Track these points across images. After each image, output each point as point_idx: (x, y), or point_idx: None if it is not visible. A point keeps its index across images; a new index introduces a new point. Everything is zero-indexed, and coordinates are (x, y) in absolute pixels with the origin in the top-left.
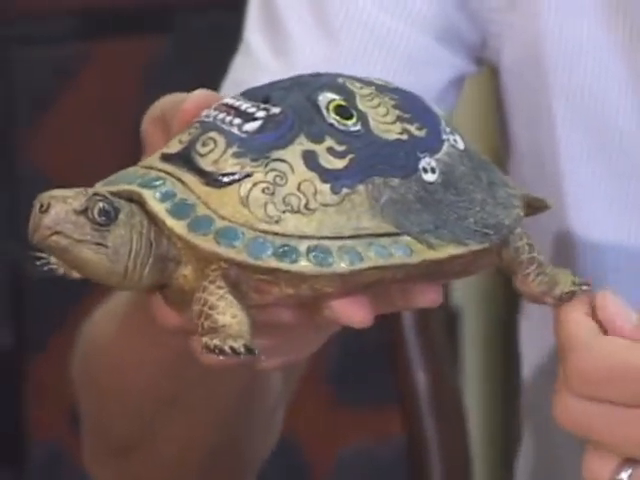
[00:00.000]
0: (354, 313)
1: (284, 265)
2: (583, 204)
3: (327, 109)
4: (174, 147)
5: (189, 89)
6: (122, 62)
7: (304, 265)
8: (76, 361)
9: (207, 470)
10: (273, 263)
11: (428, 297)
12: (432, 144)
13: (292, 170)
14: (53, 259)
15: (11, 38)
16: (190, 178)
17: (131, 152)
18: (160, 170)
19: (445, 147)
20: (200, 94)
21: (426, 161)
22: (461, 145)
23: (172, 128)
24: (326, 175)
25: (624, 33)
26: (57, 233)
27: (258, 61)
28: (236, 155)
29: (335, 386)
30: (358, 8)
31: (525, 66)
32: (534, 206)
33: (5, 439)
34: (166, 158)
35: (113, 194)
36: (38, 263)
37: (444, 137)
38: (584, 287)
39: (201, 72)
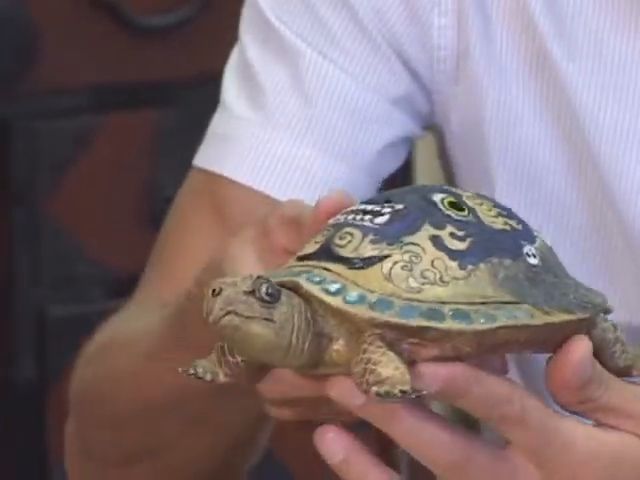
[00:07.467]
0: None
1: (434, 323)
2: None
3: (442, 204)
4: (311, 248)
5: (192, 154)
6: (132, 132)
7: (450, 323)
8: (83, 369)
9: None
10: (424, 322)
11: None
12: (529, 237)
13: (424, 251)
14: (200, 369)
15: (37, 112)
16: (334, 266)
17: (140, 212)
18: (303, 266)
19: (538, 241)
20: (335, 195)
21: (528, 248)
22: (548, 242)
23: (306, 226)
24: (453, 254)
25: (559, 107)
26: (230, 313)
27: (237, 115)
28: (373, 242)
29: None
30: (328, 73)
31: (468, 132)
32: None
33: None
34: (304, 258)
35: None
36: (185, 372)
37: (535, 234)
38: None
39: (202, 140)
